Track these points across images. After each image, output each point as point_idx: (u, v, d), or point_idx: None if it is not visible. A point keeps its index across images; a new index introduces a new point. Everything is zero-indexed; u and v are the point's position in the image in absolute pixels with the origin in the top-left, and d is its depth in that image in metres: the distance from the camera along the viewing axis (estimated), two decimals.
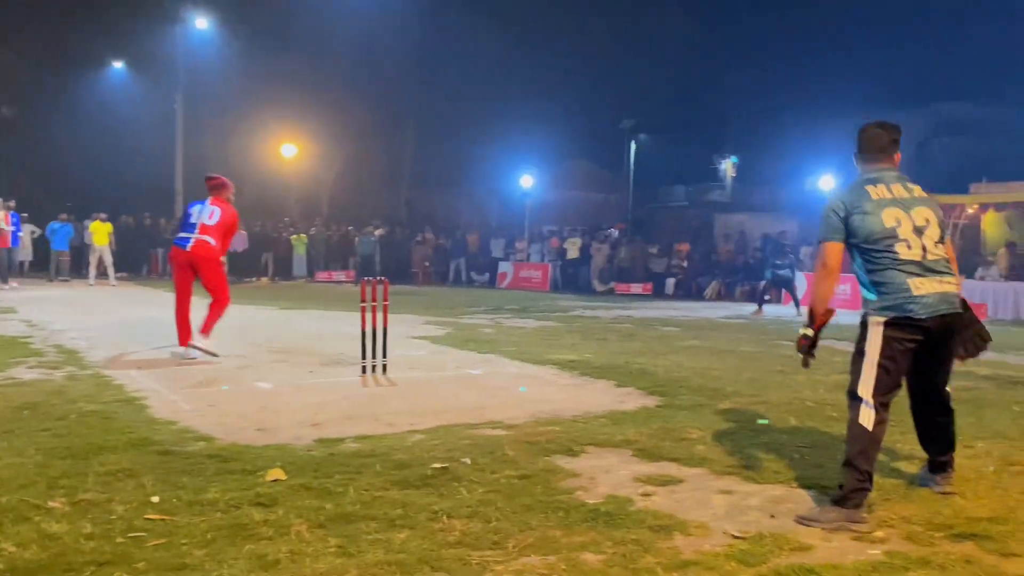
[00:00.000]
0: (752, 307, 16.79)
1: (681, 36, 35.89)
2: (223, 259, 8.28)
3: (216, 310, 8.06)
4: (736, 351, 9.51)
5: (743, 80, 36.50)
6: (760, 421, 5.45)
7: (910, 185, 3.96)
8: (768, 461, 4.51)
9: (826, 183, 21.41)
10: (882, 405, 3.72)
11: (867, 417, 3.70)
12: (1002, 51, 30.64)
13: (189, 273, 8.06)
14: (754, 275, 21.57)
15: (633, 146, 29.95)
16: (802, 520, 3.58)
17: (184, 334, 7.94)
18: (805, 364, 3.99)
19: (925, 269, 3.74)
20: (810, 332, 3.91)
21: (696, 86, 37.97)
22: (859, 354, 3.82)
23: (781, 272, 16.62)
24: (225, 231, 8.21)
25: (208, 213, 8.09)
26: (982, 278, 16.67)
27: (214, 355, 7.78)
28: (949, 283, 3.77)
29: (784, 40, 37.18)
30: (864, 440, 3.68)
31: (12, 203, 20.08)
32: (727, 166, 33.31)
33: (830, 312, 3.90)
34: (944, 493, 3.92)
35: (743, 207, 29.48)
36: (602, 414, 5.66)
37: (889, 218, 3.79)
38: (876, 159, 4.01)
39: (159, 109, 28.50)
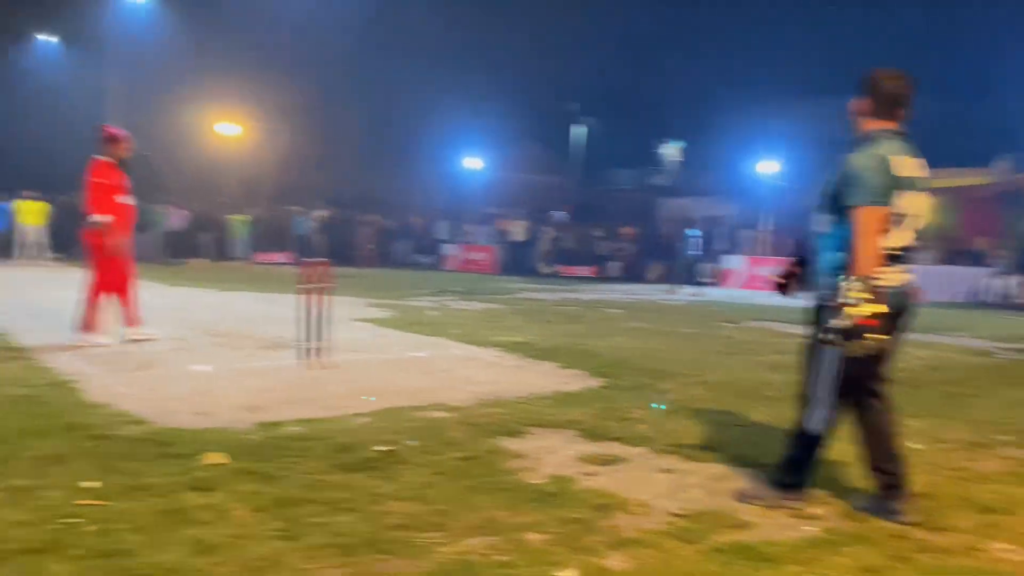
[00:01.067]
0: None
1: (627, 20, 36.09)
2: (101, 223, 7.24)
3: (87, 298, 7.37)
4: (678, 332, 9.64)
5: (685, 64, 36.87)
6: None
7: (915, 160, 3.44)
8: (708, 440, 4.59)
9: (767, 167, 21.75)
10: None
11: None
12: (944, 36, 31.42)
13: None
14: (696, 258, 21.90)
15: (579, 129, 30.05)
16: (743, 498, 3.63)
17: (129, 317, 7.63)
18: (867, 349, 3.25)
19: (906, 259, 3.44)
20: (880, 307, 3.21)
21: (641, 70, 38.23)
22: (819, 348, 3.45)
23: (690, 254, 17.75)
24: (89, 201, 7.26)
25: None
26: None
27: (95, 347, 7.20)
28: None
29: (729, 24, 37.58)
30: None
31: None
32: (672, 150, 33.64)
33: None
34: None
35: (687, 191, 29.83)
36: (547, 395, 5.68)
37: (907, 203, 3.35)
38: (892, 116, 3.44)
39: (91, 84, 27.66)
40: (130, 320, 7.66)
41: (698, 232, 18.60)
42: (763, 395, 5.92)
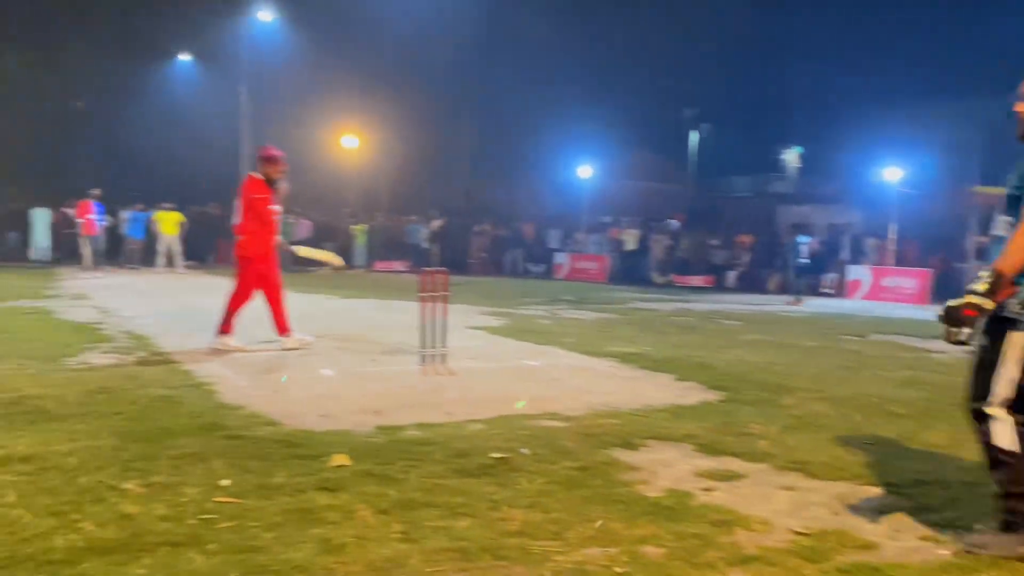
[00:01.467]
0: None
1: (744, 23, 35.29)
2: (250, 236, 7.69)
3: (229, 302, 7.78)
4: (799, 345, 9.37)
5: (807, 68, 35.72)
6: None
7: None
8: (832, 458, 4.45)
9: (892, 174, 20.87)
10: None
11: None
12: None
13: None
14: (817, 268, 21.20)
15: (695, 136, 29.58)
16: (972, 547, 3.18)
17: (280, 324, 7.96)
18: (957, 340, 3.16)
19: None
20: (986, 302, 3.10)
21: (760, 74, 37.29)
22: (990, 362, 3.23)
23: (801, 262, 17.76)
24: (244, 217, 7.73)
25: (236, 209, 7.86)
26: None
27: (238, 350, 7.60)
28: None
29: (849, 27, 36.23)
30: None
31: (97, 192, 20.68)
32: (791, 156, 32.75)
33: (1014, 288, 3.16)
34: None
35: (807, 198, 28.95)
36: (662, 408, 5.63)
37: None
38: None
39: (225, 101, 29.10)
40: (282, 329, 7.96)
41: (807, 238, 18.09)
42: (890, 412, 5.69)
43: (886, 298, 18.80)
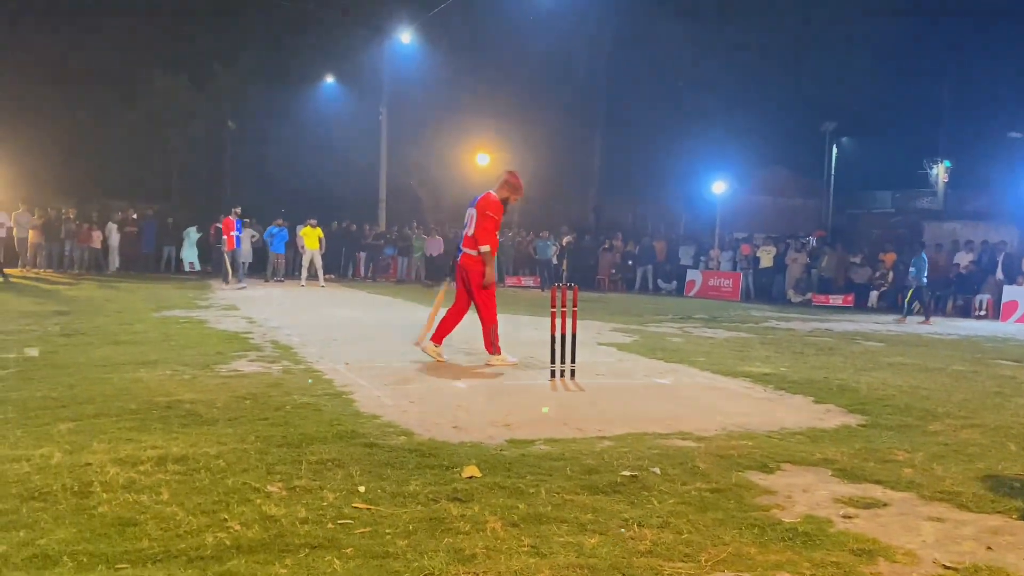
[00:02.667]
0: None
1: (887, 32, 33.81)
2: (489, 263, 7.85)
3: (484, 329, 7.95)
4: (947, 369, 8.86)
5: (957, 78, 33.87)
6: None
7: None
8: (984, 489, 4.18)
9: None
10: None
11: None
12: None
13: (463, 283, 8.03)
14: (967, 288, 20.04)
15: (834, 150, 28.54)
16: None
17: (442, 332, 8.03)
18: None
19: None
20: None
21: (904, 85, 35.58)
22: None
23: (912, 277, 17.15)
24: (480, 231, 7.80)
25: (469, 220, 7.97)
26: None
27: (512, 366, 7.78)
28: None
29: (1005, 34, 34.09)
30: None
31: (238, 209, 21.97)
32: (939, 170, 31.10)
33: None
34: None
35: (955, 214, 27.39)
36: (799, 431, 5.45)
37: None
38: None
39: (366, 121, 30.20)
40: (437, 336, 8.01)
41: (924, 258, 17.34)
42: None
43: None
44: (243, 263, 21.92)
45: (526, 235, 28.55)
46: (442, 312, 8.14)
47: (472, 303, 8.00)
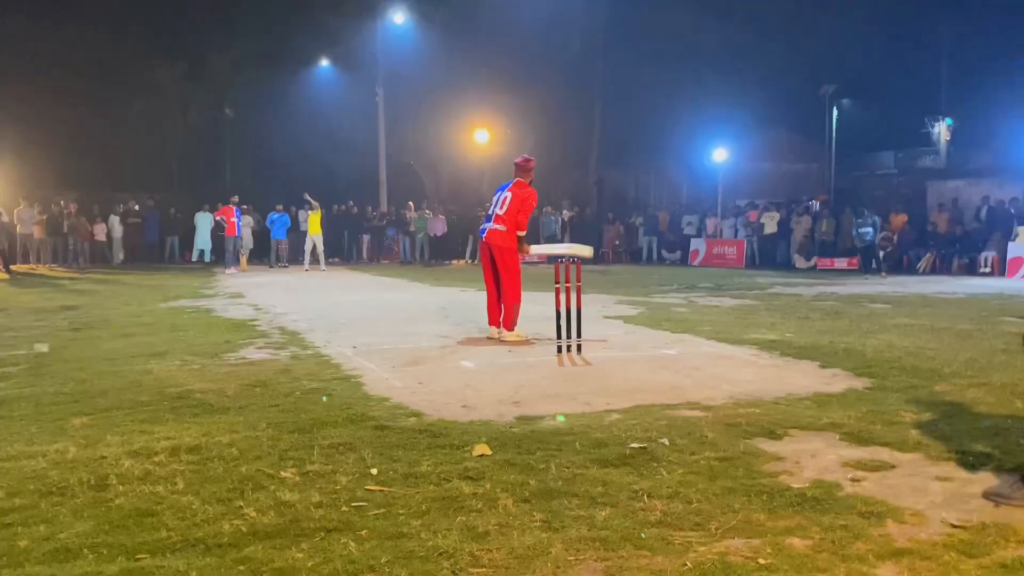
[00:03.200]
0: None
1: None
2: (522, 243, 8.35)
3: (507, 305, 8.26)
4: (953, 329, 8.87)
5: (958, 32, 33.49)
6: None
7: None
8: (992, 447, 4.21)
9: None
10: None
11: None
12: None
13: (488, 260, 8.41)
14: (972, 247, 19.98)
15: (835, 112, 28.36)
16: (993, 496, 3.45)
17: (493, 316, 8.41)
18: None
19: None
20: None
21: (903, 43, 35.22)
22: None
23: (861, 232, 18.37)
24: (515, 216, 8.26)
25: (501, 201, 8.36)
26: None
27: (525, 343, 8.03)
28: None
29: None
30: None
31: (235, 198, 22.10)
32: (940, 129, 30.89)
33: None
34: None
35: (959, 173, 27.23)
36: (806, 396, 5.48)
37: None
38: None
39: (362, 102, 30.07)
40: (499, 320, 8.38)
41: (875, 218, 17.99)
42: None
43: None
44: (240, 250, 22.15)
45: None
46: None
47: (497, 279, 8.32)
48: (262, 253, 24.47)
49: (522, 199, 8.28)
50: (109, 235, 25.69)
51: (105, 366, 6.79)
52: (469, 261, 25.81)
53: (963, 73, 32.90)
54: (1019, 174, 21.96)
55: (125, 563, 2.91)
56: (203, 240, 24.68)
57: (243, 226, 22.49)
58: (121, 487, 3.67)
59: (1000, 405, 5.18)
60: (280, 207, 23.91)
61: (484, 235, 8.35)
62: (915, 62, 35.37)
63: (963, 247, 20.11)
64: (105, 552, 2.99)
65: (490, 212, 8.42)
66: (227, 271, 20.83)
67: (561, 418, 4.89)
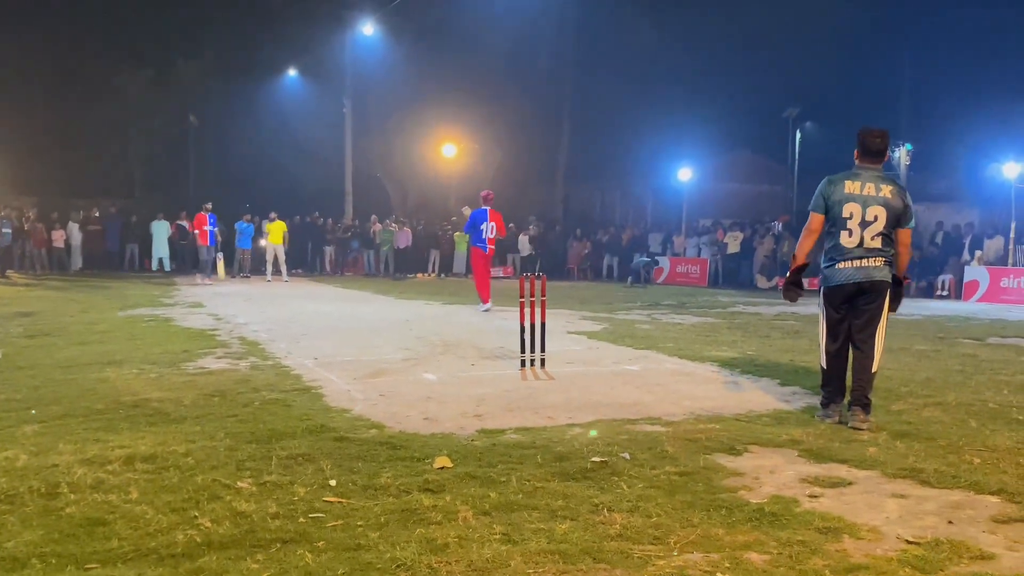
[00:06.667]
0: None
1: (848, 16, 34.09)
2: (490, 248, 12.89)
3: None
4: (910, 349, 9.02)
5: (917, 61, 34.24)
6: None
7: (882, 185, 5.09)
8: (946, 465, 4.28)
9: (1011, 170, 19.84)
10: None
11: None
12: None
13: (488, 264, 13.16)
14: (930, 269, 20.37)
15: (798, 135, 28.82)
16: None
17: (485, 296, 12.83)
18: (789, 299, 5.75)
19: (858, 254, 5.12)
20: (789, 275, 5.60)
21: (865, 70, 35.90)
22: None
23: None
24: (502, 233, 13.32)
25: (491, 229, 12.77)
26: None
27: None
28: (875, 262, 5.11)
29: (963, 16, 34.44)
30: None
31: (209, 205, 21.81)
32: (900, 154, 31.47)
33: (804, 264, 5.63)
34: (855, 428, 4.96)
35: (917, 197, 27.76)
36: (765, 413, 5.53)
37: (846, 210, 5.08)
38: (866, 159, 5.22)
39: (330, 114, 29.93)
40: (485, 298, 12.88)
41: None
42: (1009, 418, 5.43)
43: (1006, 300, 17.87)
44: (216, 258, 21.93)
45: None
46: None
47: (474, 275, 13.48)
48: (226, 263, 24.18)
49: (501, 222, 13.09)
50: (68, 242, 25.22)
51: (59, 373, 6.65)
52: (432, 275, 25.75)
53: (922, 99, 33.59)
54: (975, 200, 22.46)
55: (75, 573, 2.85)
56: (161, 248, 24.35)
57: (216, 234, 22.19)
58: (72, 496, 3.59)
59: (955, 423, 5.27)
60: (248, 217, 23.67)
61: (487, 251, 12.98)
62: (876, 88, 36.09)
63: (921, 270, 20.47)
64: (54, 561, 2.93)
65: (484, 236, 12.74)
66: (206, 280, 20.56)
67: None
